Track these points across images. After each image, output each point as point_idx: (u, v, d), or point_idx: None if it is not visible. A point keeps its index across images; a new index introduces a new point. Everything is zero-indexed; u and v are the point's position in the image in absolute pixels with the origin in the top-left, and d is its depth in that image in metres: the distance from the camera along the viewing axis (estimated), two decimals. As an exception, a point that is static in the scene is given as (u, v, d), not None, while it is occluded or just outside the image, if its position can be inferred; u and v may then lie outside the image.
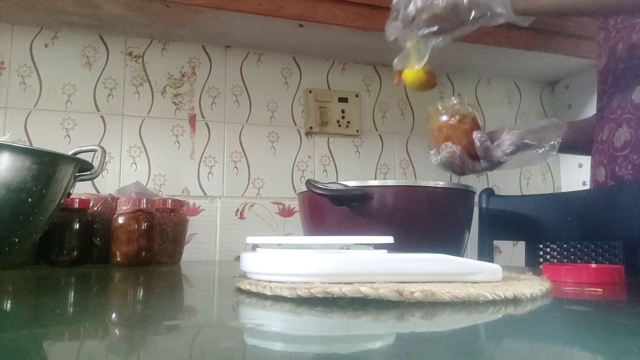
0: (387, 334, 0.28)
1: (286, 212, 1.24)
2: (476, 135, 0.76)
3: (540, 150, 0.75)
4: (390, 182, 0.74)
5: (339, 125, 1.31)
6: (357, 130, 1.32)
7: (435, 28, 0.69)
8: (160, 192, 1.14)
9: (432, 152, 0.82)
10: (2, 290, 0.47)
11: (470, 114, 0.78)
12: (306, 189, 0.74)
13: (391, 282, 0.36)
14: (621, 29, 0.78)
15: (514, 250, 1.39)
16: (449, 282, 0.38)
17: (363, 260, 0.39)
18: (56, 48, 1.14)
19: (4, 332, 0.27)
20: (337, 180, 1.26)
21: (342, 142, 1.32)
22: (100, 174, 0.56)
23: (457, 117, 0.78)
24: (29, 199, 0.44)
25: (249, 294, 0.40)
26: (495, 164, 0.79)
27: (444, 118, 0.79)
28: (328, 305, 0.33)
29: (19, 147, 0.45)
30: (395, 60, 0.79)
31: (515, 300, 0.35)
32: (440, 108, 0.81)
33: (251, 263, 0.43)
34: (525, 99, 1.52)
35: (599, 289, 0.46)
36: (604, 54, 0.83)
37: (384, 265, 0.38)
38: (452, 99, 0.81)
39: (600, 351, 0.23)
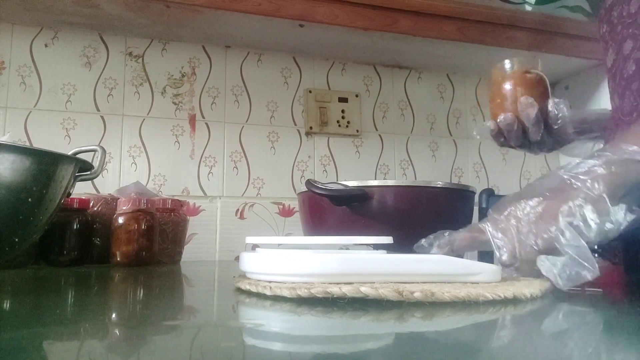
0: (387, 334, 0.28)
1: (286, 212, 1.24)
2: (554, 101, 0.66)
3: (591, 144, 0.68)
4: (390, 182, 0.74)
5: (339, 125, 1.31)
6: (357, 130, 1.32)
7: None
8: (160, 192, 1.14)
9: (487, 123, 0.72)
10: (2, 290, 0.47)
11: (543, 78, 0.68)
12: (306, 189, 0.74)
13: (391, 282, 0.36)
14: (629, 24, 0.72)
15: (514, 250, 1.39)
16: (449, 282, 0.38)
17: (363, 260, 0.39)
18: (56, 48, 1.14)
19: (4, 332, 0.27)
20: (337, 180, 1.26)
21: (342, 142, 1.32)
22: (100, 174, 0.56)
23: (534, 77, 0.68)
24: (29, 199, 0.44)
25: (249, 294, 0.40)
26: (559, 142, 0.70)
27: (521, 76, 0.68)
28: (328, 305, 0.33)
29: (19, 147, 0.45)
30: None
31: (515, 300, 0.35)
32: (513, 65, 0.70)
33: (251, 263, 0.43)
34: (525, 99, 1.52)
35: (599, 289, 0.46)
36: (611, 50, 0.78)
37: (384, 265, 0.38)
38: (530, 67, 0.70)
39: (600, 351, 0.23)
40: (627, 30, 0.71)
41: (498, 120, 0.69)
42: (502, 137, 0.71)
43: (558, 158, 1.51)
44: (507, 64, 0.71)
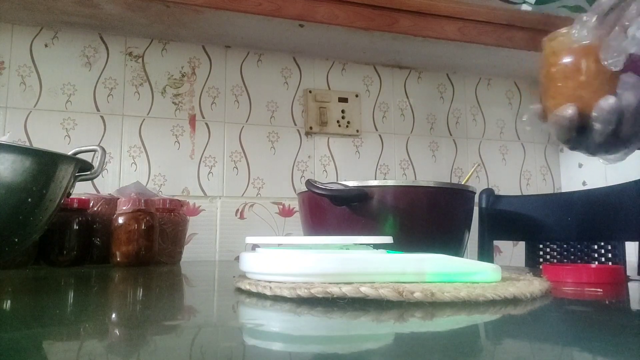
0: (387, 334, 0.28)
1: (286, 212, 1.24)
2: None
3: None
4: (390, 182, 0.74)
5: (339, 125, 1.31)
6: (357, 130, 1.32)
7: None
8: (160, 192, 1.14)
9: (534, 107, 0.54)
10: (2, 290, 0.47)
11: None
12: (306, 189, 0.74)
13: (391, 282, 0.36)
14: None
15: (514, 250, 1.39)
16: (448, 282, 0.38)
17: (363, 260, 0.39)
18: (56, 48, 1.14)
19: (4, 332, 0.27)
20: (337, 180, 1.26)
21: (342, 142, 1.32)
22: (100, 174, 0.56)
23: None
24: (29, 199, 0.44)
25: (249, 294, 0.40)
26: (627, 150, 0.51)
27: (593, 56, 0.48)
28: (328, 305, 0.33)
29: (19, 147, 0.45)
30: None
31: (515, 300, 0.35)
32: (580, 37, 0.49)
33: (251, 263, 0.43)
34: (525, 99, 1.52)
35: (599, 289, 0.46)
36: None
37: (384, 265, 0.38)
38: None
39: (600, 351, 0.23)
40: None
41: (540, 125, 0.52)
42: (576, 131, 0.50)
43: (558, 159, 1.51)
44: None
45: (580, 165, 1.42)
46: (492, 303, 0.34)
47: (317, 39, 1.20)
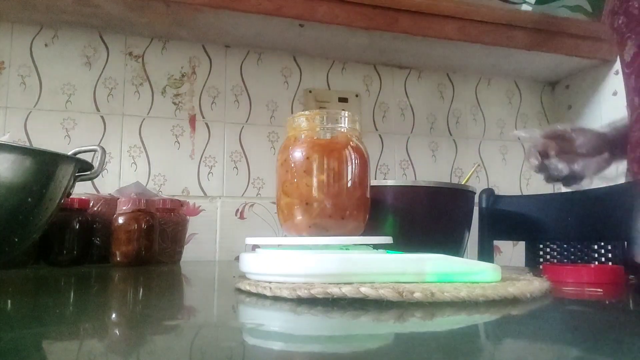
0: (387, 334, 0.28)
1: (286, 212, 1.24)
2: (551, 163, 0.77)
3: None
4: (390, 182, 0.74)
5: (339, 125, 1.30)
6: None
7: None
8: (160, 192, 1.14)
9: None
10: (2, 290, 0.47)
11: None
12: (306, 189, 0.73)
13: (391, 282, 0.36)
14: None
15: (514, 250, 1.39)
16: (448, 282, 0.38)
17: (363, 260, 0.39)
18: (56, 48, 1.14)
19: (4, 332, 0.27)
20: (337, 180, 1.26)
21: (342, 142, 1.32)
22: (100, 174, 0.56)
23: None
24: (29, 199, 0.44)
25: (249, 294, 0.40)
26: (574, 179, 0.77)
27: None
28: (328, 305, 0.33)
29: (19, 147, 0.45)
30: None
31: (515, 300, 0.35)
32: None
33: (251, 263, 0.43)
34: (525, 99, 1.52)
35: (599, 289, 0.46)
36: (630, 42, 0.75)
37: (384, 265, 0.38)
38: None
39: (600, 351, 0.23)
40: None
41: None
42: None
43: (558, 158, 1.51)
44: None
45: (580, 165, 1.42)
46: (492, 303, 0.34)
47: (317, 38, 1.20)
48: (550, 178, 0.78)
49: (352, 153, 0.50)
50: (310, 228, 0.48)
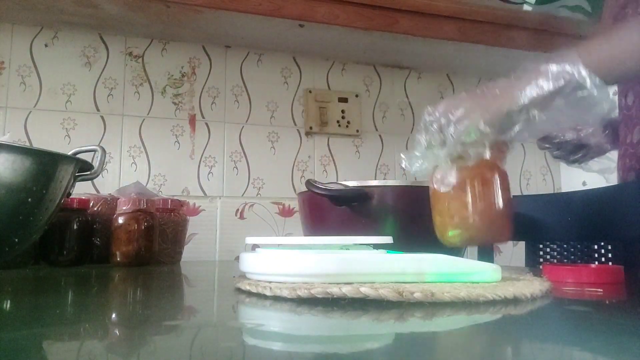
0: (387, 334, 0.28)
1: (286, 212, 1.24)
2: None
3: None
4: (390, 182, 0.74)
5: (339, 125, 1.30)
6: (357, 130, 1.32)
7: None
8: (160, 192, 1.14)
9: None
10: (2, 290, 0.47)
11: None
12: (306, 189, 0.73)
13: (391, 282, 0.36)
14: None
15: (514, 250, 1.39)
16: (448, 282, 0.38)
17: (363, 260, 0.39)
18: (56, 48, 1.14)
19: (4, 332, 0.27)
20: (337, 180, 1.26)
21: (342, 142, 1.32)
22: (100, 174, 0.56)
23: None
24: (29, 199, 0.44)
25: (249, 294, 0.40)
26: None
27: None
28: (328, 305, 0.33)
29: (19, 147, 0.45)
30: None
31: (515, 300, 0.35)
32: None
33: (251, 263, 0.43)
34: (525, 99, 1.52)
35: (599, 289, 0.46)
36: None
37: (384, 265, 0.38)
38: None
39: (600, 351, 0.23)
40: None
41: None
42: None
43: (558, 158, 1.51)
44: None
45: (580, 165, 1.42)
46: (492, 303, 0.34)
47: (317, 39, 1.20)
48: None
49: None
50: None
